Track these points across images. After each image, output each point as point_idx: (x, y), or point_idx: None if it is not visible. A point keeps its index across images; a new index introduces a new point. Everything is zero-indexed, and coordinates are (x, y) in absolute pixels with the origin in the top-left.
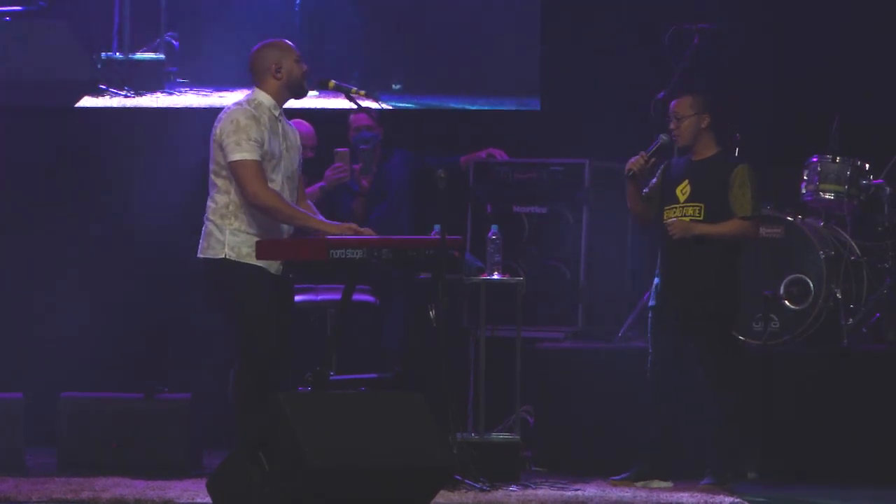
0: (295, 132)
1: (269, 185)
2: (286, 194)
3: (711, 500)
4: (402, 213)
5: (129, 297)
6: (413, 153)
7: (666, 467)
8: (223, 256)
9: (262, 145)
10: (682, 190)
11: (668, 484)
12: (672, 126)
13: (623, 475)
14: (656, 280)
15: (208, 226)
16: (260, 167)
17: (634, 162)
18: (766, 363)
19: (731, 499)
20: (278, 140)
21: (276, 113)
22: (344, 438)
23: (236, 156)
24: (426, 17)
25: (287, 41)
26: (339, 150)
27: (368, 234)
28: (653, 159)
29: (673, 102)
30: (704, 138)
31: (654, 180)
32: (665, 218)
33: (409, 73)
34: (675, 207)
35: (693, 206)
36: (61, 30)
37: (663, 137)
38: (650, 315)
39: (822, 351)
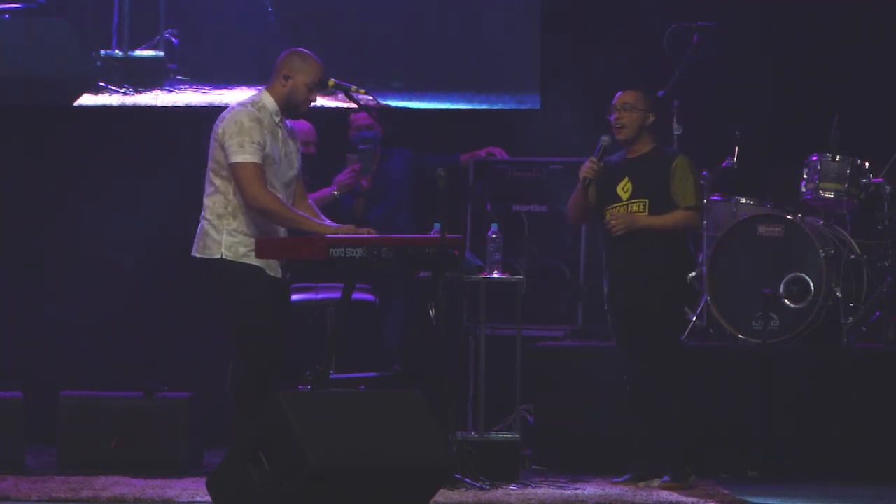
0: (295, 139)
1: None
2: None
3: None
4: (401, 213)
5: (129, 295)
6: (413, 152)
7: (661, 465)
8: (219, 256)
9: (263, 148)
10: (623, 188)
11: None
12: (616, 117)
13: (623, 478)
14: (605, 283)
15: (204, 225)
16: (261, 170)
17: (589, 168)
18: (765, 362)
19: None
20: (278, 145)
21: (277, 119)
22: (344, 438)
23: (238, 158)
24: (426, 15)
25: (318, 61)
26: (351, 154)
27: (368, 233)
28: (601, 162)
29: (619, 94)
30: (644, 135)
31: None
32: (607, 217)
33: (408, 71)
34: (619, 206)
35: (637, 202)
36: (60, 27)
37: (605, 139)
38: (609, 318)
39: (822, 350)
